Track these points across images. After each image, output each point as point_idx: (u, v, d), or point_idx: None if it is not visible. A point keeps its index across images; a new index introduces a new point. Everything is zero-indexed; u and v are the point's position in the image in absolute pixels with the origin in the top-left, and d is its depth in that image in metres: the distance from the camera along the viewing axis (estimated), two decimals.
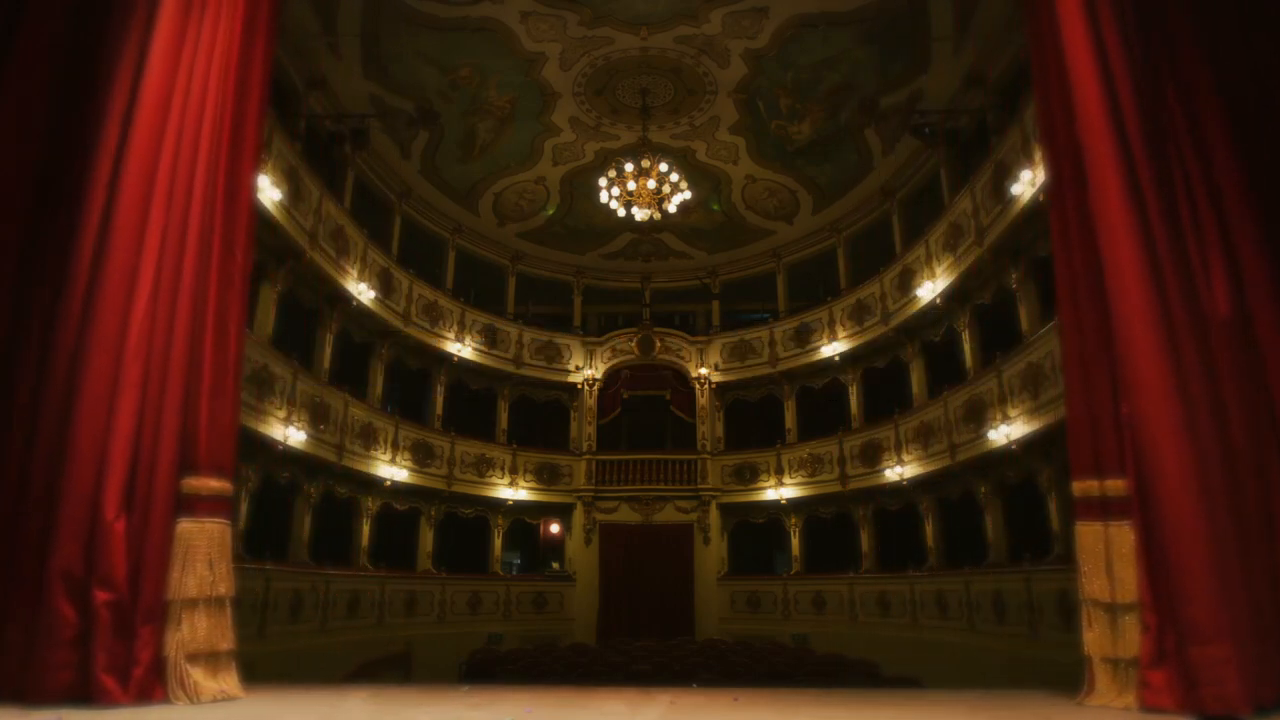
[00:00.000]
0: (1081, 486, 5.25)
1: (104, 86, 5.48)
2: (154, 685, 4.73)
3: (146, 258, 5.21)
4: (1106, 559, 5.00)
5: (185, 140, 5.52)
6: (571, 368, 20.10)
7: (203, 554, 5.09)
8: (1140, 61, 5.43)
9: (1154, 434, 4.79)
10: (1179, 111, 5.37)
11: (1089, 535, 5.14)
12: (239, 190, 5.81)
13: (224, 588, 5.19)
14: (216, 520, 5.24)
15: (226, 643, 5.18)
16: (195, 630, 4.96)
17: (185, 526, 5.07)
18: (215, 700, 4.91)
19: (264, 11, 6.25)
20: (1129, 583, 4.85)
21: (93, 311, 5.04)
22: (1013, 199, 11.63)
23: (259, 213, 11.03)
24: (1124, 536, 4.94)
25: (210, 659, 5.03)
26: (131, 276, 5.15)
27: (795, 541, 18.47)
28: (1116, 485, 5.03)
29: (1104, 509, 5.08)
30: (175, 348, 5.19)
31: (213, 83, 5.72)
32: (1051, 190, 6.21)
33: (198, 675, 4.88)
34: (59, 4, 5.60)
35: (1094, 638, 4.99)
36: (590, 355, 20.33)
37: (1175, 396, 4.78)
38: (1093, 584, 5.05)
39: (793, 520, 18.53)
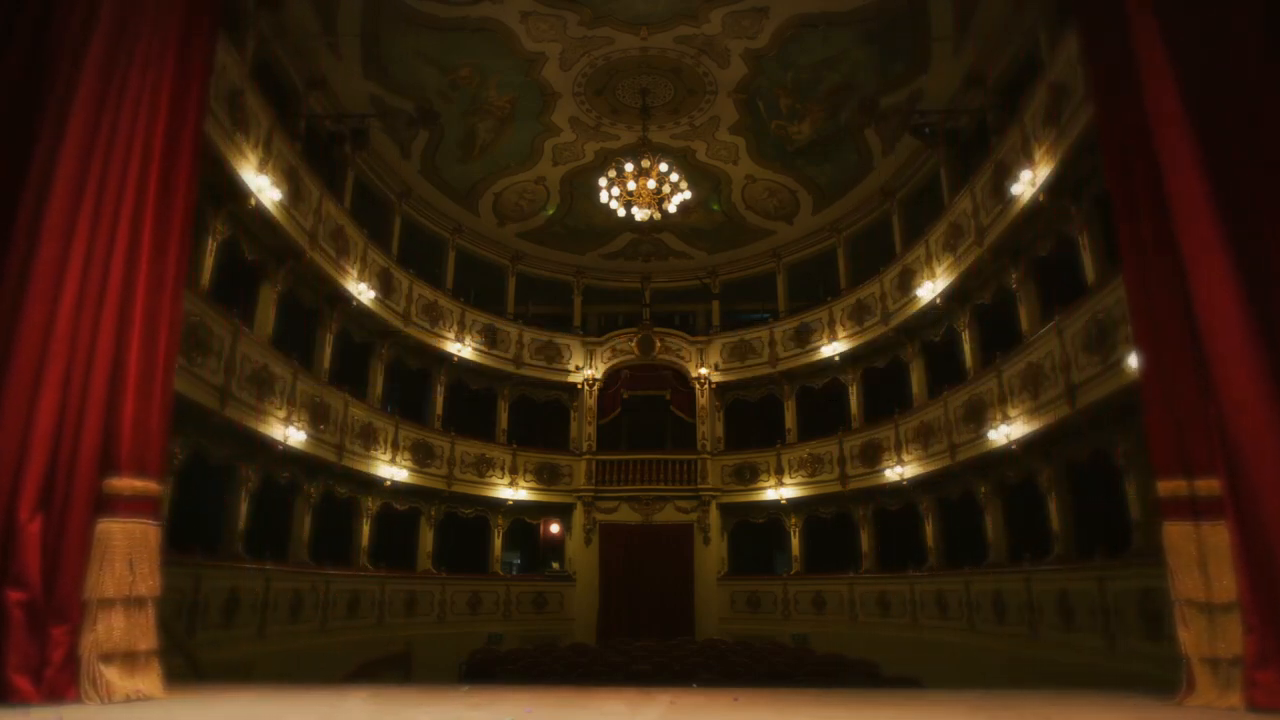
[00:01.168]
0: (1168, 486, 5.23)
1: (44, 86, 5.48)
2: (67, 685, 4.70)
3: (74, 258, 5.20)
4: (1200, 559, 4.97)
5: (118, 141, 5.51)
6: (571, 368, 20.10)
7: (122, 554, 5.07)
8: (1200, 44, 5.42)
9: (1249, 433, 4.73)
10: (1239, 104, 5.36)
11: (1179, 535, 5.12)
12: (173, 192, 5.80)
13: (144, 588, 5.16)
14: (139, 520, 5.22)
15: (146, 642, 5.15)
16: (111, 630, 4.94)
17: (105, 526, 5.05)
18: (129, 700, 4.88)
19: (206, 4, 6.26)
20: (1226, 582, 4.83)
21: (19, 311, 5.02)
22: (1013, 199, 11.62)
23: (261, 213, 11.13)
24: (1219, 536, 4.91)
25: (127, 659, 5.01)
26: (58, 277, 5.13)
27: (795, 541, 18.47)
28: (1209, 485, 5.00)
29: (1194, 508, 5.07)
30: (100, 348, 5.16)
31: (147, 86, 5.71)
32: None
33: (111, 675, 4.86)
34: (29, 10, 5.65)
35: (1191, 638, 4.96)
36: (590, 355, 20.33)
37: (1269, 395, 4.74)
38: (1185, 584, 5.02)
39: (793, 520, 18.53)
